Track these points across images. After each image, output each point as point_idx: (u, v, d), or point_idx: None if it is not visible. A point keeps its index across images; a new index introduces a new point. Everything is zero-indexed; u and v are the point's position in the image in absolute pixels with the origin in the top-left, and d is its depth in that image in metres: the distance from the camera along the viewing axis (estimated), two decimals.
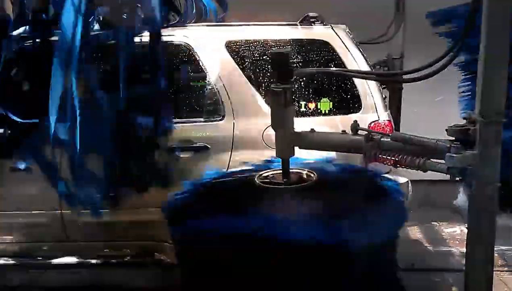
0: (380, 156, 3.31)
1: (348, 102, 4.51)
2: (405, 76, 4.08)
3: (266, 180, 3.50)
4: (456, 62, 4.93)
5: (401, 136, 3.26)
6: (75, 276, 5.12)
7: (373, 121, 4.44)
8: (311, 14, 4.84)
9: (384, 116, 4.49)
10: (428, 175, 3.34)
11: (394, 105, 6.27)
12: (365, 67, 4.57)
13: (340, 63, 4.50)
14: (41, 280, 5.21)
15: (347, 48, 4.56)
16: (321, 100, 4.54)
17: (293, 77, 3.49)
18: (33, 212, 4.57)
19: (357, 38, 4.89)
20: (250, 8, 5.93)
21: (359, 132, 3.43)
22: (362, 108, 4.48)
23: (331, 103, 4.53)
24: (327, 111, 4.53)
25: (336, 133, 3.58)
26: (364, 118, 4.39)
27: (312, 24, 4.78)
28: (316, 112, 4.54)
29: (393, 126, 4.51)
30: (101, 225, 4.46)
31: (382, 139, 3.32)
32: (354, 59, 4.52)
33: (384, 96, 4.91)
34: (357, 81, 4.50)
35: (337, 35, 4.62)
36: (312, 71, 4.28)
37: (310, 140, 3.48)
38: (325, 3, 7.34)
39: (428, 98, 6.77)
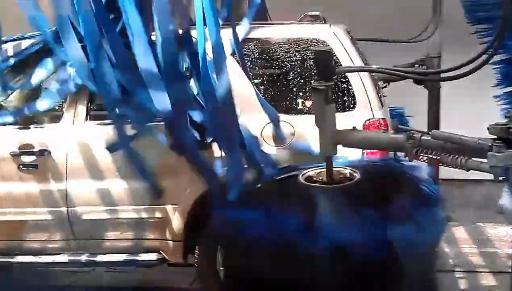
0: (421, 154, 3.32)
1: (343, 100, 4.47)
2: (443, 75, 4.09)
3: (311, 179, 3.53)
4: (495, 61, 4.98)
5: (442, 135, 3.26)
6: (122, 276, 5.24)
7: (367, 120, 4.37)
8: (310, 13, 4.85)
9: (378, 114, 4.40)
10: (470, 174, 3.33)
11: (432, 104, 6.29)
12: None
13: (338, 62, 4.41)
14: (87, 280, 5.32)
15: (344, 47, 4.54)
16: None
17: (335, 75, 3.53)
18: None
19: (396, 38, 4.91)
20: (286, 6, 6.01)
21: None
22: (357, 106, 4.43)
23: None
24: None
25: (377, 132, 3.62)
26: (358, 116, 4.37)
27: (311, 23, 4.79)
28: (311, 110, 4.43)
29: (388, 125, 4.40)
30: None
31: (422, 137, 3.32)
32: (350, 59, 4.49)
33: (382, 94, 4.88)
34: (352, 79, 4.45)
35: (335, 34, 4.59)
36: (353, 68, 4.30)
37: (352, 138, 3.51)
38: (366, 3, 7.44)
39: (467, 96, 6.79)
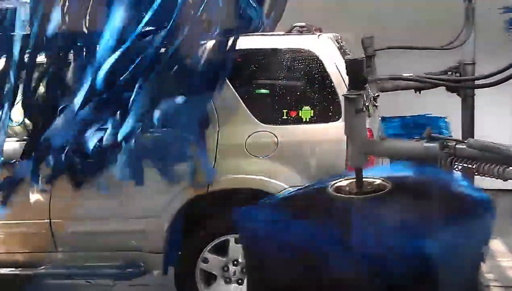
0: (456, 163, 3.25)
1: (329, 110, 4.44)
2: (477, 82, 4.01)
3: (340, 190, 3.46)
4: None
5: (477, 144, 3.18)
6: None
7: None
8: (298, 24, 4.79)
9: None
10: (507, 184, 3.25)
11: (466, 112, 6.18)
12: None
13: (325, 72, 4.45)
14: None
15: (331, 57, 4.49)
16: (303, 109, 4.49)
17: (367, 84, 3.48)
18: None
19: (429, 44, 4.84)
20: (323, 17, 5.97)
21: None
22: (342, 116, 4.36)
23: (312, 111, 4.47)
24: (307, 120, 4.47)
25: (409, 141, 3.54)
26: (343, 126, 4.34)
27: (300, 33, 4.73)
28: (297, 121, 4.49)
29: (373, 134, 4.37)
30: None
31: (457, 146, 3.26)
32: (337, 68, 4.43)
33: (373, 104, 4.79)
34: (337, 88, 4.40)
35: (322, 44, 4.56)
36: (385, 77, 4.24)
37: (383, 148, 3.46)
38: (398, 13, 7.39)
39: (502, 104, 6.68)
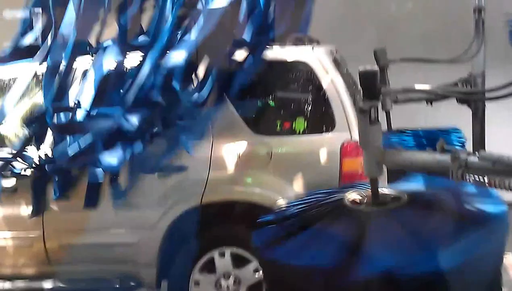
0: (467, 176, 3.27)
1: (322, 121, 4.47)
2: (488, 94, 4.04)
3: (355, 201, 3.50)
4: None
5: (490, 156, 3.21)
6: None
7: (346, 141, 4.39)
8: (295, 35, 4.84)
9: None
10: None
11: (477, 124, 6.20)
12: (342, 88, 4.52)
13: (319, 84, 4.49)
14: None
15: (325, 69, 4.52)
16: (297, 120, 4.51)
17: (381, 95, 3.51)
18: None
19: (439, 57, 4.87)
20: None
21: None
22: (336, 127, 4.41)
23: (306, 122, 4.48)
24: (301, 131, 4.49)
25: (422, 152, 3.57)
26: (337, 137, 4.36)
27: (296, 45, 4.78)
28: (290, 132, 4.52)
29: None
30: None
31: (469, 158, 3.28)
32: (332, 81, 4.47)
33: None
34: (331, 100, 4.45)
35: (316, 56, 4.58)
36: (398, 89, 4.27)
37: (397, 159, 3.48)
38: (408, 24, 7.43)
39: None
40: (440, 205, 3.36)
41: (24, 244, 4.72)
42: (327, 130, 4.45)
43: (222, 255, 4.49)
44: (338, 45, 5.67)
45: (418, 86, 4.47)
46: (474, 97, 5.09)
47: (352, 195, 3.50)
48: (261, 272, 4.29)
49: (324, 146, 4.36)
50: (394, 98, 3.90)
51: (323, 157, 4.38)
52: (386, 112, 3.66)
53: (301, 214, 3.57)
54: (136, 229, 4.57)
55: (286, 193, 4.38)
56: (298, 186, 4.42)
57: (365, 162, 3.46)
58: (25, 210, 4.60)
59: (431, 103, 5.65)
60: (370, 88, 3.45)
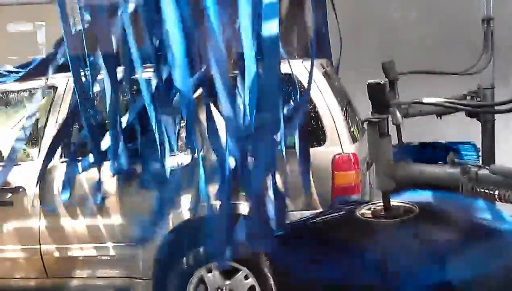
0: (477, 189, 3.26)
1: (313, 135, 4.44)
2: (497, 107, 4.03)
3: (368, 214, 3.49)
4: None
5: (501, 169, 3.19)
6: None
7: (337, 154, 4.36)
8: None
9: (348, 149, 4.37)
10: None
11: (487, 137, 6.18)
12: (333, 101, 4.49)
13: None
14: None
15: (315, 82, 4.47)
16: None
17: (390, 107, 3.51)
18: None
19: (449, 70, 4.86)
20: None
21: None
22: (327, 141, 4.41)
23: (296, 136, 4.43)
24: (292, 145, 4.40)
25: (433, 166, 3.56)
26: (328, 151, 4.35)
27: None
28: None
29: (357, 160, 4.35)
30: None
31: (479, 172, 3.27)
32: (321, 93, 4.46)
33: (359, 129, 4.86)
34: (322, 113, 4.43)
35: (306, 69, 4.50)
36: (407, 102, 4.27)
37: (407, 172, 3.48)
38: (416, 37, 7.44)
39: None
40: (452, 218, 3.36)
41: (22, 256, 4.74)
42: (318, 144, 4.45)
43: (209, 270, 4.49)
44: (344, 53, 5.69)
45: (427, 99, 4.47)
46: (483, 110, 5.09)
47: (363, 209, 3.50)
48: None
49: (316, 160, 4.35)
50: (404, 112, 3.91)
51: (315, 170, 4.38)
52: (396, 125, 3.64)
53: (316, 228, 3.57)
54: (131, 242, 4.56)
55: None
56: (290, 200, 4.40)
57: (376, 175, 3.46)
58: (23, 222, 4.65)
59: (441, 117, 5.67)
60: (378, 101, 3.44)
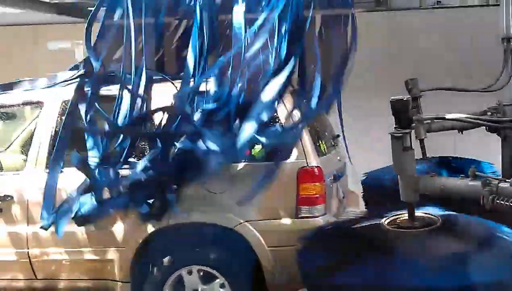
0: (498, 202, 3.34)
1: (279, 149, 4.56)
2: None
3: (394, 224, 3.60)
4: None
5: None
6: None
7: (301, 167, 4.49)
8: None
9: (313, 162, 4.51)
10: None
11: (507, 152, 6.23)
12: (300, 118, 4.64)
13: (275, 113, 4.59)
14: None
15: (283, 101, 4.61)
16: (254, 147, 4.62)
17: (413, 123, 3.63)
18: None
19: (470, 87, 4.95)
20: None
21: None
22: (292, 155, 4.52)
23: (263, 150, 4.59)
24: (260, 158, 4.60)
25: (454, 179, 3.66)
26: (292, 165, 4.47)
27: None
28: (250, 159, 4.61)
29: (322, 174, 4.51)
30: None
31: (500, 185, 3.36)
32: (287, 111, 4.62)
33: (331, 144, 5.05)
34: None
35: None
36: (429, 117, 4.38)
37: (430, 185, 3.58)
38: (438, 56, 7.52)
39: None
40: (471, 230, 3.45)
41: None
42: (283, 158, 4.57)
43: (190, 273, 4.61)
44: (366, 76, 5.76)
45: (449, 115, 4.58)
46: (503, 126, 5.17)
47: (388, 220, 3.61)
48: None
49: (283, 172, 4.49)
50: (427, 127, 4.03)
51: (280, 182, 4.50)
52: (420, 140, 3.76)
53: (343, 236, 3.67)
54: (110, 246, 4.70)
55: (248, 215, 4.52)
56: (257, 209, 4.53)
57: (401, 188, 3.57)
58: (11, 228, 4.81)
59: (462, 132, 5.76)
60: (402, 117, 3.56)
